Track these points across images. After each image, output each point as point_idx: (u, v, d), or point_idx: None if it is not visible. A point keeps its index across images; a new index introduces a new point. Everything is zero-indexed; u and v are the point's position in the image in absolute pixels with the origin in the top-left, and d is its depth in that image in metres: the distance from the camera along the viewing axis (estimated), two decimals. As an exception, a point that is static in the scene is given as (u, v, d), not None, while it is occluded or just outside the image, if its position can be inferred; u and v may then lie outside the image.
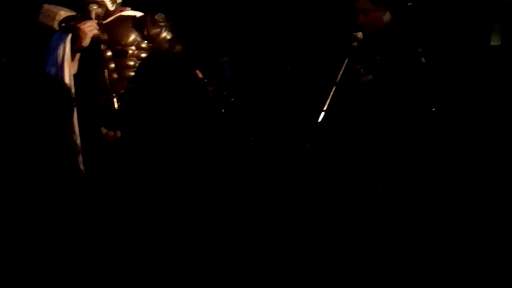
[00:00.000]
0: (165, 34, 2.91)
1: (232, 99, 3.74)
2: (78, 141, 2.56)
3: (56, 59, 2.75)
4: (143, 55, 2.81)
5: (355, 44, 3.12)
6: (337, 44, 3.36)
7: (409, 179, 3.04)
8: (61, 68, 2.74)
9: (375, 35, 3.18)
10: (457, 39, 3.76)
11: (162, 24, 2.90)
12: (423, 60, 3.14)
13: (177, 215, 1.90)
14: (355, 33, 3.15)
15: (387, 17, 3.21)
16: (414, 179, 3.04)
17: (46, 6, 2.85)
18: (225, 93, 3.63)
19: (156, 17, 2.90)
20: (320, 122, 3.00)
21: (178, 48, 2.92)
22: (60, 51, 2.75)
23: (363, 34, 3.16)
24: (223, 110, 3.58)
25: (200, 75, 2.38)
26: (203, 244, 1.88)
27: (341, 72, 3.05)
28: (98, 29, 2.76)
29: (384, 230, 2.87)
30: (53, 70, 2.74)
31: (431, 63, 3.16)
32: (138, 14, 2.96)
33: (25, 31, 3.50)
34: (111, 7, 2.86)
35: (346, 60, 3.07)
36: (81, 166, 2.44)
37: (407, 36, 3.17)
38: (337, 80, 3.04)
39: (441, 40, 3.58)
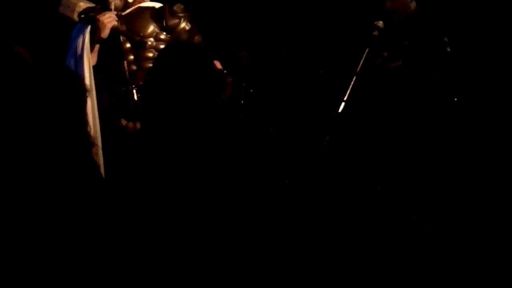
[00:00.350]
0: (184, 25, 2.90)
1: (252, 90, 3.72)
2: (98, 132, 2.58)
3: (76, 50, 2.76)
4: (162, 46, 2.80)
5: (375, 33, 3.08)
6: (358, 34, 3.33)
7: (431, 170, 3.01)
8: (80, 59, 2.75)
9: (399, 24, 3.14)
10: (482, 30, 3.70)
11: (181, 15, 2.89)
12: (448, 49, 3.10)
13: (197, 206, 1.90)
14: (375, 22, 3.11)
15: (413, 4, 3.18)
16: (437, 170, 3.01)
17: (66, -3, 2.86)
18: (244, 84, 3.61)
19: (174, 8, 2.89)
20: (340, 112, 2.97)
21: (197, 39, 2.91)
22: (80, 43, 2.76)
23: (387, 22, 3.12)
24: (242, 101, 3.56)
25: (219, 66, 2.37)
26: (221, 234, 1.88)
27: (361, 62, 3.02)
28: (117, 21, 2.77)
29: (394, 227, 2.85)
30: (72, 62, 2.75)
31: (456, 53, 3.12)
32: (157, 5, 2.95)
33: (45, 22, 3.52)
34: (130, -2, 2.87)
35: (367, 50, 3.03)
36: (98, 158, 2.45)
37: (433, 25, 3.13)
38: (358, 70, 3.01)
39: (467, 31, 3.52)
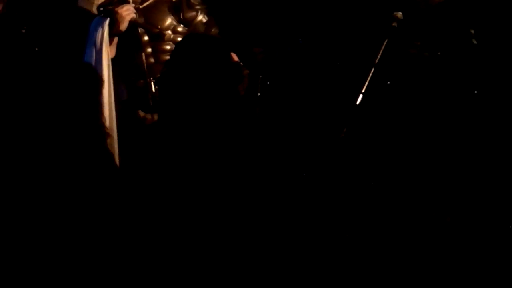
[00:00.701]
0: (201, 18, 2.91)
1: (268, 82, 3.71)
2: (114, 124, 2.60)
3: (95, 43, 2.78)
4: (179, 39, 2.82)
5: (394, 24, 3.05)
6: (376, 24, 3.29)
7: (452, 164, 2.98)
8: (99, 52, 2.77)
9: (424, 14, 3.11)
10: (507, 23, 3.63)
11: (198, 7, 2.91)
12: (474, 41, 3.06)
13: (214, 199, 1.91)
14: (394, 13, 3.08)
15: None
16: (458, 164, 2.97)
17: (84, -10, 2.89)
18: (261, 76, 3.61)
19: (192, 0, 2.90)
20: (358, 104, 2.95)
21: (214, 31, 2.92)
22: (99, 36, 2.78)
23: (409, 13, 3.09)
24: (259, 94, 3.56)
25: (236, 59, 2.37)
26: (239, 225, 1.88)
27: (380, 53, 2.99)
28: (135, 13, 2.78)
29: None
30: (91, 54, 2.78)
31: (483, 45, 3.07)
32: (175, -2, 2.96)
33: (64, 15, 3.54)
34: (147, -9, 2.88)
35: (386, 41, 3.00)
36: (113, 149, 2.47)
37: (459, 17, 3.09)
38: (376, 61, 2.98)
39: (493, 23, 3.46)
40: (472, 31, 3.07)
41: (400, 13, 3.07)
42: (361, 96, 2.95)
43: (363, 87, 2.96)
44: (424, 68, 3.09)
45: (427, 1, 3.14)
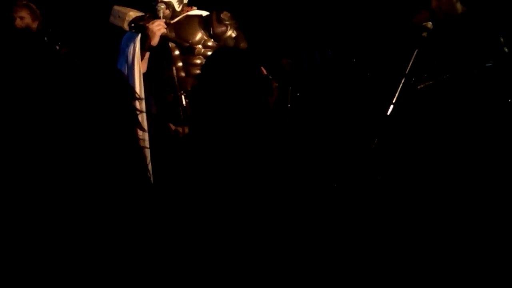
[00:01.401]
0: (231, 32, 2.94)
1: (298, 94, 3.72)
2: (146, 137, 2.64)
3: (127, 58, 2.83)
4: (210, 53, 2.84)
5: (424, 34, 3.03)
6: (406, 35, 3.27)
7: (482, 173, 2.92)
8: (131, 67, 2.81)
9: (450, 25, 3.07)
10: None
11: (227, 22, 2.93)
12: (505, 49, 3.00)
13: (245, 210, 1.91)
14: (424, 23, 3.05)
15: (459, 6, 3.10)
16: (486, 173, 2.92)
17: (116, 7, 2.94)
18: (290, 88, 3.61)
19: (221, 15, 2.93)
20: (389, 115, 2.93)
21: (243, 45, 2.94)
22: (130, 51, 2.83)
23: (437, 23, 3.06)
24: (289, 105, 3.57)
25: (265, 72, 2.38)
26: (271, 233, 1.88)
27: (410, 63, 2.97)
28: (166, 28, 2.82)
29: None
30: (123, 70, 2.82)
31: None
32: (204, 13, 2.99)
33: (96, 32, 3.61)
34: (177, 7, 2.92)
35: (416, 51, 2.98)
36: (148, 163, 2.50)
37: (487, 25, 3.04)
38: (407, 71, 2.96)
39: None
40: (502, 39, 3.02)
41: (430, 23, 3.04)
42: (392, 106, 2.92)
43: (394, 97, 2.93)
44: (456, 79, 3.05)
45: (446, 12, 3.09)
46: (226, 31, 2.93)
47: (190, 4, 3.01)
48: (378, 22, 3.99)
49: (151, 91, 2.92)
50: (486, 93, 3.01)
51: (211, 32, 2.93)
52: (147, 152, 2.60)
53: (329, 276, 2.00)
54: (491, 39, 3.02)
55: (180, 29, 2.93)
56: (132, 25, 2.88)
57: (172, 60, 2.88)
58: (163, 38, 2.82)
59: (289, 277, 1.84)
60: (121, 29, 2.92)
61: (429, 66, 3.06)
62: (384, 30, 3.83)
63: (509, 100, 3.05)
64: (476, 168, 2.95)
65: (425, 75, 3.04)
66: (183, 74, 2.90)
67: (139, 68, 2.81)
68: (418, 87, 2.98)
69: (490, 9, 3.17)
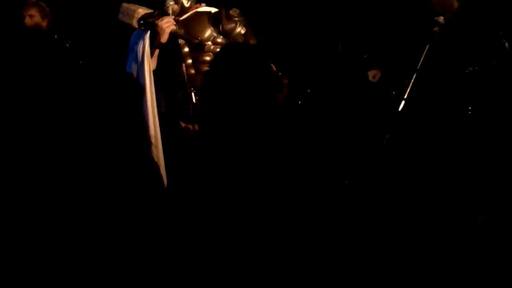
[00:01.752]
0: (240, 29, 2.92)
1: (309, 90, 3.70)
2: (158, 134, 2.63)
3: (136, 56, 2.82)
4: (219, 49, 2.83)
5: (436, 29, 3.00)
6: (418, 30, 3.24)
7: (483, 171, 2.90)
8: (141, 64, 2.80)
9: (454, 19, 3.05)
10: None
11: (237, 19, 2.92)
12: (506, 44, 2.97)
13: (256, 207, 1.90)
14: (436, 18, 3.02)
15: (456, 2, 3.09)
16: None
17: (125, 5, 2.94)
18: (301, 84, 3.60)
19: (231, 12, 2.92)
20: (400, 111, 2.90)
21: (252, 42, 2.93)
22: (140, 48, 2.82)
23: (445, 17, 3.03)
24: (299, 102, 3.55)
25: (274, 68, 2.37)
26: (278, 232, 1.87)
27: (422, 58, 2.94)
28: (175, 25, 2.81)
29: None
30: (133, 67, 2.82)
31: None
32: (213, 10, 2.98)
33: (105, 30, 3.62)
34: (186, 3, 2.91)
35: (428, 46, 2.95)
36: (159, 159, 2.50)
37: (485, 21, 3.01)
38: (418, 66, 2.93)
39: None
40: (501, 33, 3.00)
41: (442, 17, 3.01)
42: (403, 102, 2.90)
43: (405, 93, 2.91)
44: (464, 74, 3.03)
45: (446, 7, 3.08)
46: (235, 27, 2.92)
47: (198, 1, 2.99)
48: (389, 17, 3.96)
49: (160, 89, 2.92)
50: (490, 90, 2.99)
51: (221, 28, 2.91)
52: (160, 150, 2.60)
53: (339, 274, 1.99)
54: (491, 35, 2.99)
55: (189, 26, 2.92)
56: (141, 22, 2.88)
57: (182, 57, 2.87)
58: (173, 35, 2.81)
59: (300, 274, 1.83)
60: (130, 26, 2.91)
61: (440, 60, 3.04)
62: (395, 26, 3.80)
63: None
64: (486, 164, 2.93)
65: (439, 62, 3.02)
66: (192, 71, 2.89)
67: (149, 65, 2.80)
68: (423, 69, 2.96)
69: (485, 4, 3.15)
